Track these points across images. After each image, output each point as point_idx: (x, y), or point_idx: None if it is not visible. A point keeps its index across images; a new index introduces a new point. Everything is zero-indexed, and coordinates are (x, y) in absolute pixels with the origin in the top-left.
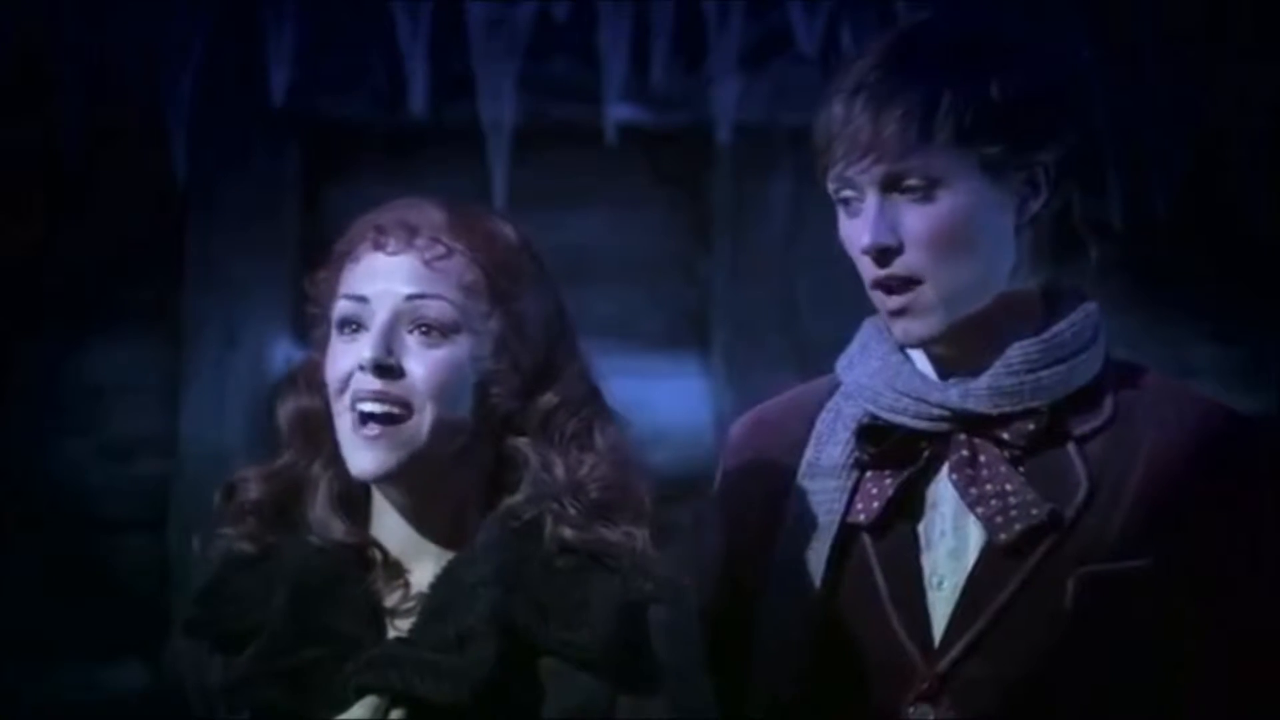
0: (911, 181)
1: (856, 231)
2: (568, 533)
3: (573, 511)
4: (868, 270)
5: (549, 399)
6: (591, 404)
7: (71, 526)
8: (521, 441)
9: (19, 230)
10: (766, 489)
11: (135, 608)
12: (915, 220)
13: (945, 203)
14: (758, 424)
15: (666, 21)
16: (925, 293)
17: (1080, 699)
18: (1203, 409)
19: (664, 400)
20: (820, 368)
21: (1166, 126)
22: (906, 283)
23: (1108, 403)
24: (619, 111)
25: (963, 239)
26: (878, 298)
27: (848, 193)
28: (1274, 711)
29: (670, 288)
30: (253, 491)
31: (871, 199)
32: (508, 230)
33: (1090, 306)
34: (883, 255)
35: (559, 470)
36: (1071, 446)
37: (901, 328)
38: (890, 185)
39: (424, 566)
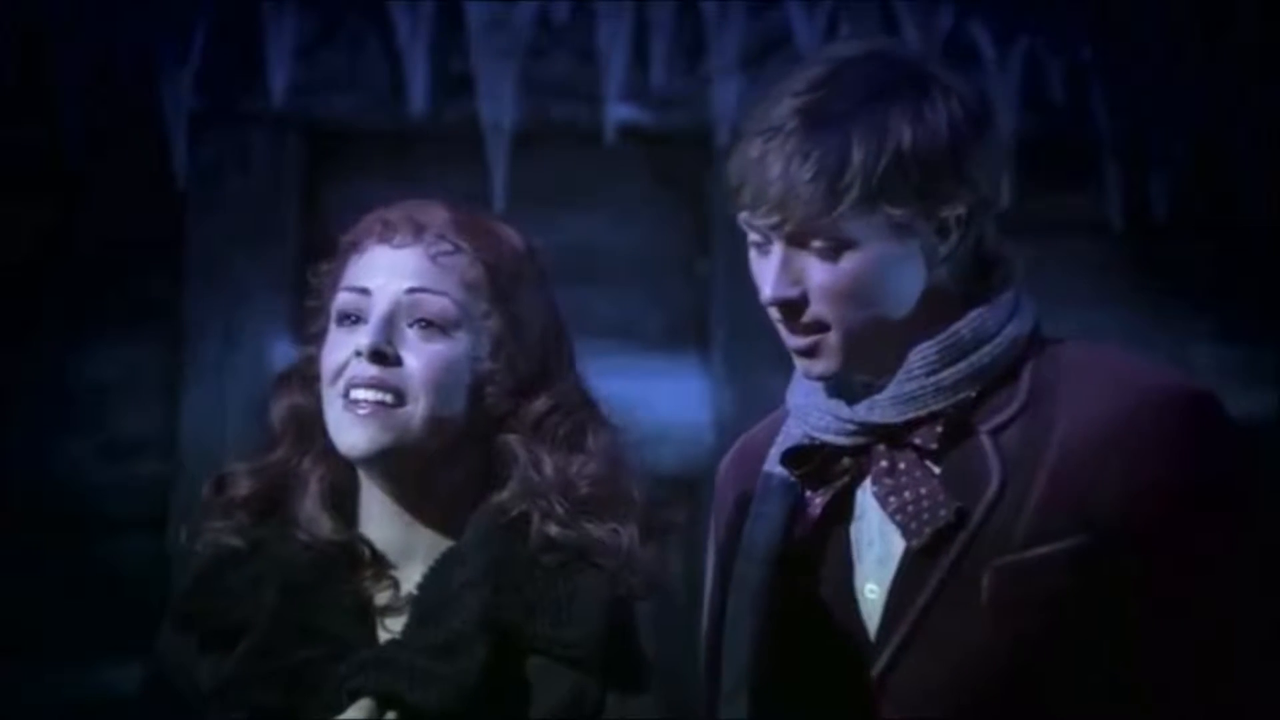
0: (817, 243)
1: (761, 278)
2: (554, 530)
3: (560, 509)
4: (772, 312)
5: (543, 402)
6: (585, 410)
7: (71, 526)
8: (512, 438)
9: (20, 229)
10: (742, 517)
11: (135, 608)
12: (821, 275)
13: (852, 262)
14: (739, 453)
15: (666, 21)
16: (830, 338)
17: (1015, 693)
18: (1120, 381)
19: (664, 400)
20: None
21: (1166, 126)
22: (810, 329)
23: (1022, 389)
24: (619, 111)
25: (869, 293)
26: (782, 332)
27: (755, 237)
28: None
29: (670, 288)
30: (242, 486)
31: (776, 251)
32: (513, 234)
33: (1003, 298)
34: (786, 308)
35: (548, 468)
36: (986, 440)
37: (804, 365)
38: (797, 241)
39: (413, 565)
